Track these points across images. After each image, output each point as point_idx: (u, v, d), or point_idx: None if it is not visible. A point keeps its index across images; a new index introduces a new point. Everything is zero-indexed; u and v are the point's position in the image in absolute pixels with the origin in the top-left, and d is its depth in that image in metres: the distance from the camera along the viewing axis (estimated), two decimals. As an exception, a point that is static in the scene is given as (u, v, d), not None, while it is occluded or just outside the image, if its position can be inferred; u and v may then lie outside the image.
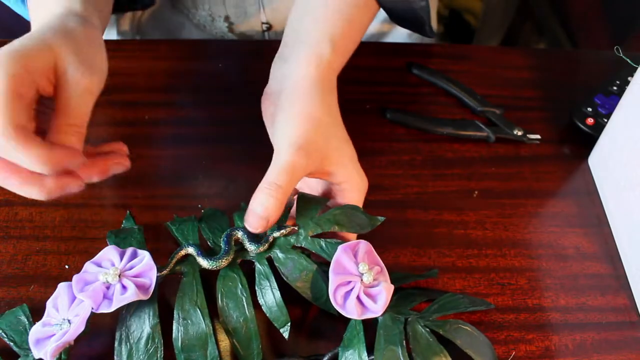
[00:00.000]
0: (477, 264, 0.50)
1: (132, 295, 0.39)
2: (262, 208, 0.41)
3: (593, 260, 0.51)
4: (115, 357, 0.40)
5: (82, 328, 0.38)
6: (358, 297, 0.41)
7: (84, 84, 0.40)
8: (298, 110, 0.45)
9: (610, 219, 0.54)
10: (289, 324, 0.41)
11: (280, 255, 0.43)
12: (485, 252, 0.51)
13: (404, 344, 0.41)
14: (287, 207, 0.45)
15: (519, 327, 0.47)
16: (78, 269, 0.42)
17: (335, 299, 0.40)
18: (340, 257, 0.41)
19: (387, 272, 0.43)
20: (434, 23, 0.77)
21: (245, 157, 0.55)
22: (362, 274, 0.41)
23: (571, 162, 0.59)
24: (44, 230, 0.50)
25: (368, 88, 0.62)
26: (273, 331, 0.42)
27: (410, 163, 0.57)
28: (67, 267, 0.47)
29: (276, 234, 0.43)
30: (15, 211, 0.51)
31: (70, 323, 0.39)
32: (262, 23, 0.71)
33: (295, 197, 0.45)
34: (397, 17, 0.57)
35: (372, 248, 0.43)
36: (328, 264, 0.41)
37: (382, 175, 0.55)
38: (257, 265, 0.43)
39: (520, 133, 0.59)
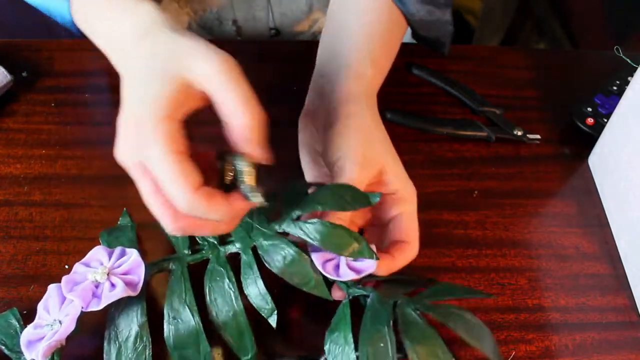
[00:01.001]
0: (477, 264, 0.50)
1: (120, 291, 0.39)
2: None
3: (593, 260, 0.51)
4: (104, 356, 0.40)
5: (72, 327, 0.38)
6: (348, 265, 0.41)
7: (228, 68, 0.36)
8: (352, 125, 0.45)
9: (610, 219, 0.54)
10: (275, 312, 0.41)
11: (263, 242, 0.43)
12: (485, 252, 0.51)
13: (391, 324, 0.38)
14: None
15: (519, 327, 0.47)
16: (78, 269, 0.42)
17: (326, 270, 0.41)
18: None
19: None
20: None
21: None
22: None
23: (571, 162, 0.59)
24: (44, 230, 0.50)
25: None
26: (269, 330, 0.42)
27: (410, 163, 0.57)
28: (67, 267, 0.47)
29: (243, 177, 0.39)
30: (15, 211, 0.51)
31: (61, 323, 0.39)
32: (270, 28, 0.71)
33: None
34: (420, 36, 0.60)
35: None
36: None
37: (382, 175, 0.55)
38: (242, 256, 0.43)
39: (520, 133, 0.59)
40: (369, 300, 0.42)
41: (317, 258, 0.41)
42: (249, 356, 0.42)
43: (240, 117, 0.35)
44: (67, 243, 0.49)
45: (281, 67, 0.63)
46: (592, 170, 0.58)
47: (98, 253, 0.42)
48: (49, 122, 0.57)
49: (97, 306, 0.39)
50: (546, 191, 0.56)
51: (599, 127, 0.57)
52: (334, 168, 0.44)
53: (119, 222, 0.49)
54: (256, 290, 0.42)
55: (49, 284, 0.41)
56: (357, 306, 0.42)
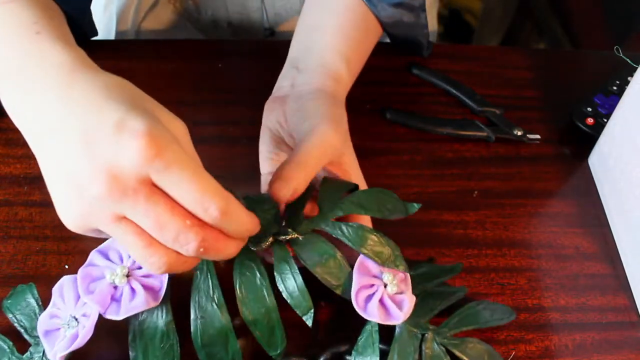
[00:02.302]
0: (477, 264, 0.50)
1: (141, 303, 0.38)
2: (289, 177, 0.39)
3: (593, 260, 0.51)
4: (130, 352, 0.39)
5: (90, 333, 0.37)
6: (381, 301, 0.40)
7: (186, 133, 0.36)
8: (324, 109, 0.45)
9: (610, 219, 0.54)
10: (312, 310, 0.39)
11: (299, 238, 0.41)
12: (485, 252, 0.51)
13: None
14: (310, 190, 0.43)
15: (519, 327, 0.47)
16: (78, 270, 0.42)
17: (357, 301, 0.40)
18: (365, 258, 0.41)
19: (410, 281, 0.42)
20: (434, 22, 0.77)
21: (245, 157, 0.55)
22: (386, 284, 0.40)
23: (571, 162, 0.59)
24: (44, 230, 0.50)
25: (368, 88, 0.61)
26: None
27: (410, 163, 0.57)
28: (67, 267, 0.47)
29: (280, 237, 0.41)
30: (15, 211, 0.51)
31: (77, 321, 0.38)
32: (265, 29, 0.71)
33: (321, 179, 0.44)
34: (397, 41, 0.61)
35: None
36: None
37: (382, 175, 0.55)
38: (276, 249, 0.41)
39: (520, 133, 0.59)
40: (397, 329, 0.41)
41: (356, 279, 0.40)
42: (278, 351, 0.40)
43: None
44: (67, 243, 0.49)
45: (279, 67, 0.63)
46: (592, 170, 0.58)
47: (116, 242, 0.40)
48: (49, 122, 0.57)
49: (116, 315, 0.38)
50: (546, 191, 0.56)
51: (599, 127, 0.57)
52: (304, 132, 0.42)
53: None
54: (294, 285, 0.40)
55: (49, 284, 0.41)
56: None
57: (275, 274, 0.40)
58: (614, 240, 0.53)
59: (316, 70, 0.49)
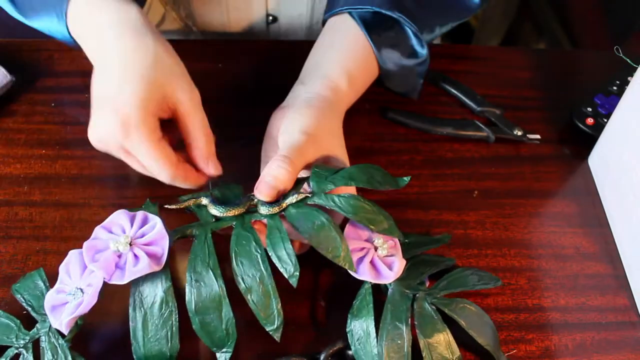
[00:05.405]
0: (477, 264, 0.50)
1: (144, 267, 0.39)
2: (272, 177, 0.42)
3: (593, 260, 0.51)
4: (130, 322, 0.40)
5: (94, 300, 0.38)
6: (372, 262, 0.42)
7: (196, 100, 0.47)
8: (313, 112, 0.48)
9: (610, 219, 0.54)
10: (297, 273, 0.39)
11: (292, 211, 0.42)
12: (485, 252, 0.51)
13: (409, 321, 0.42)
14: (300, 184, 0.44)
15: (519, 327, 0.47)
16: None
17: None
18: (355, 223, 0.42)
19: (400, 247, 0.43)
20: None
21: (245, 157, 0.55)
22: (377, 247, 0.42)
23: (571, 162, 0.59)
24: (44, 230, 0.50)
25: (368, 88, 0.61)
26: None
27: (410, 163, 0.57)
28: (67, 267, 0.48)
29: (289, 200, 0.42)
30: (15, 211, 0.51)
31: (83, 292, 0.39)
32: (268, 15, 0.72)
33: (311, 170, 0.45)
34: (391, 82, 0.61)
35: None
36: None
37: (382, 175, 0.55)
38: (269, 221, 0.42)
39: (520, 133, 0.59)
40: (389, 290, 0.43)
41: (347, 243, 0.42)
42: (275, 326, 0.40)
43: (199, 139, 0.46)
44: (67, 243, 0.49)
45: (279, 67, 0.63)
46: (592, 170, 0.58)
47: (120, 217, 0.42)
48: (49, 122, 0.57)
49: (120, 280, 0.39)
50: (546, 191, 0.56)
51: (599, 127, 0.57)
52: (283, 138, 0.46)
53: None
54: (282, 249, 0.40)
55: (49, 284, 0.41)
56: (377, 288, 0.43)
57: (267, 241, 0.41)
58: (614, 240, 0.53)
59: (317, 81, 0.51)
